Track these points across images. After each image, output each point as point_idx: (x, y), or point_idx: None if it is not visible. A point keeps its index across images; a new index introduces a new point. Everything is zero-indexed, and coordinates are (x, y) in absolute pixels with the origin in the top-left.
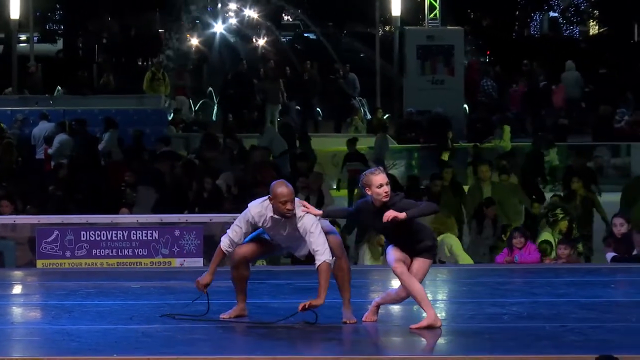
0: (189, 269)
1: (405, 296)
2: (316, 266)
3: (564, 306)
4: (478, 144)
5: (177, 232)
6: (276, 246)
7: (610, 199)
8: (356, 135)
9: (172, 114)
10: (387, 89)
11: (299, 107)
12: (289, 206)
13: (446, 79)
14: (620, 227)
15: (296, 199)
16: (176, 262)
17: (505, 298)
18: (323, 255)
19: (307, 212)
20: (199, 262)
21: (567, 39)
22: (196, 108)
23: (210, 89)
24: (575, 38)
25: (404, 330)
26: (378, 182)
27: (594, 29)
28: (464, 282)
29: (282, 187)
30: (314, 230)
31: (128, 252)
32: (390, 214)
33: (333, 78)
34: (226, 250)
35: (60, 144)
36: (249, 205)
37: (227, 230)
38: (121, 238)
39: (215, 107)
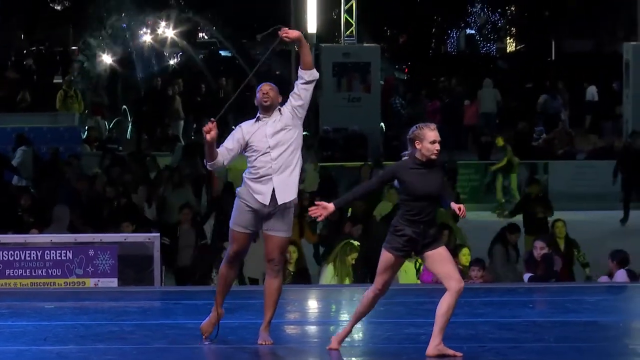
0: (103, 289)
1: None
2: None
3: (482, 326)
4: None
5: (91, 252)
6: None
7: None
8: None
9: (86, 132)
10: None
11: None
12: (264, 90)
13: (362, 97)
14: (541, 250)
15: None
16: (90, 282)
17: (423, 318)
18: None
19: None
20: (113, 282)
21: (484, 56)
22: (110, 126)
23: (124, 106)
24: (493, 55)
25: (321, 350)
26: (432, 138)
27: (511, 45)
28: (382, 301)
29: (264, 83)
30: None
31: (42, 272)
32: None
33: (249, 95)
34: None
35: None
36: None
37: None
38: (34, 258)
39: (130, 125)
